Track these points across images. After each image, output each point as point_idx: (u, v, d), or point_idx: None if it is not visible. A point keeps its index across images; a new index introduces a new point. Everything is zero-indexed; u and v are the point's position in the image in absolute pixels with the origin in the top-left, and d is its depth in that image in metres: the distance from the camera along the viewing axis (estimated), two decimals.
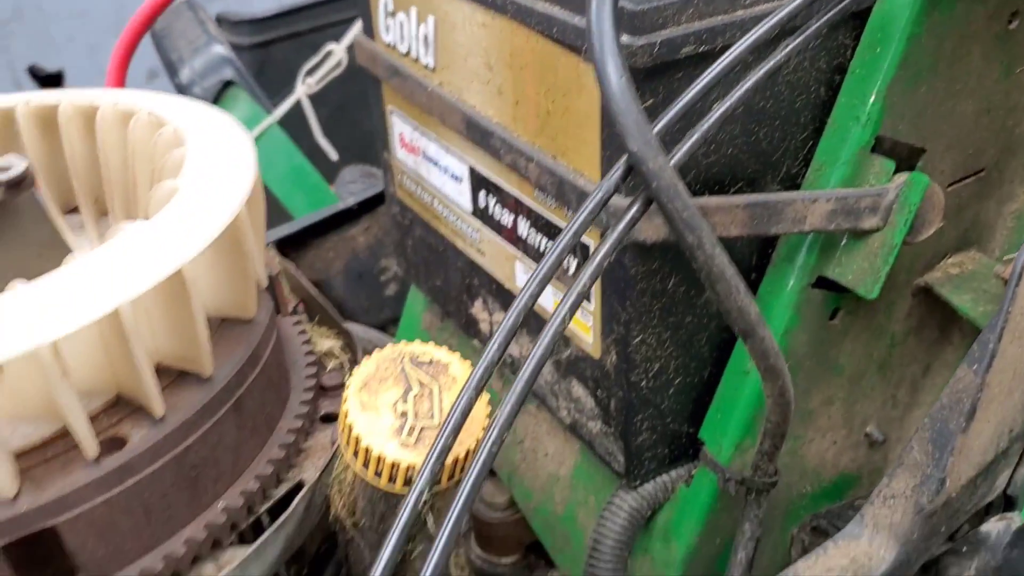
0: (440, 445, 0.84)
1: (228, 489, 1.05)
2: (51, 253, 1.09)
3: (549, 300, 1.33)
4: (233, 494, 1.05)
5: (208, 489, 1.03)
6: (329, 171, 2.59)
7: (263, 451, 1.11)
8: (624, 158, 0.93)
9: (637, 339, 1.20)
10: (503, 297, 1.47)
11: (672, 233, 0.92)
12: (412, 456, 0.88)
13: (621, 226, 0.96)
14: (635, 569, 1.38)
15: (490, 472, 1.16)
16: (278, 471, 1.09)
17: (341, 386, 1.25)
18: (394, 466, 0.88)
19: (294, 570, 1.26)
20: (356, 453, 0.90)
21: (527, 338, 1.45)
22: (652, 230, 1.10)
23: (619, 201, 1.08)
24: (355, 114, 2.90)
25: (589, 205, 0.97)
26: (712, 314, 1.25)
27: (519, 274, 1.38)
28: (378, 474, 0.90)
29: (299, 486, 1.12)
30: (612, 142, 1.10)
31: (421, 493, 0.82)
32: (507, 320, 0.88)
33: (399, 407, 0.90)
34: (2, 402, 0.91)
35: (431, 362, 0.95)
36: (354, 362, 1.28)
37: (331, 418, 1.21)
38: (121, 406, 0.99)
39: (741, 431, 1.27)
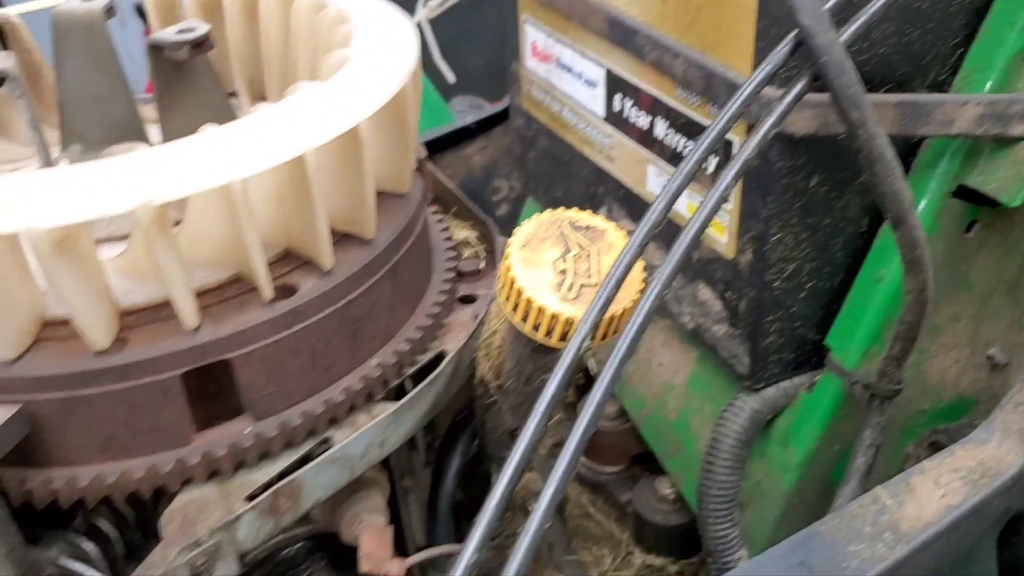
0: (603, 299, 0.87)
1: (382, 348, 1.11)
2: (223, 117, 1.15)
3: (681, 205, 1.35)
4: (386, 352, 1.11)
5: (365, 345, 1.08)
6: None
7: (411, 319, 1.16)
8: (792, 34, 0.94)
9: (775, 237, 1.21)
10: (630, 204, 1.49)
11: (836, 109, 0.94)
12: (572, 310, 0.91)
13: (785, 103, 0.98)
14: (750, 473, 1.41)
15: None
16: (424, 339, 1.14)
17: (477, 272, 1.30)
18: (554, 318, 0.92)
19: (427, 439, 1.32)
20: (516, 307, 0.94)
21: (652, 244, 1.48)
22: (802, 121, 1.11)
23: (771, 92, 1.09)
24: (464, 48, 2.94)
25: (748, 88, 0.99)
26: (849, 219, 1.26)
27: (651, 177, 1.40)
28: (536, 327, 0.94)
29: (441, 355, 1.17)
30: (767, 33, 1.11)
31: (583, 341, 0.86)
32: (671, 183, 0.91)
33: (559, 265, 0.94)
34: (185, 243, 0.97)
35: (588, 227, 0.98)
36: (490, 252, 1.33)
37: (469, 299, 1.25)
38: (289, 259, 1.05)
39: (870, 338, 1.27)
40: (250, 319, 0.97)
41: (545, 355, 1.00)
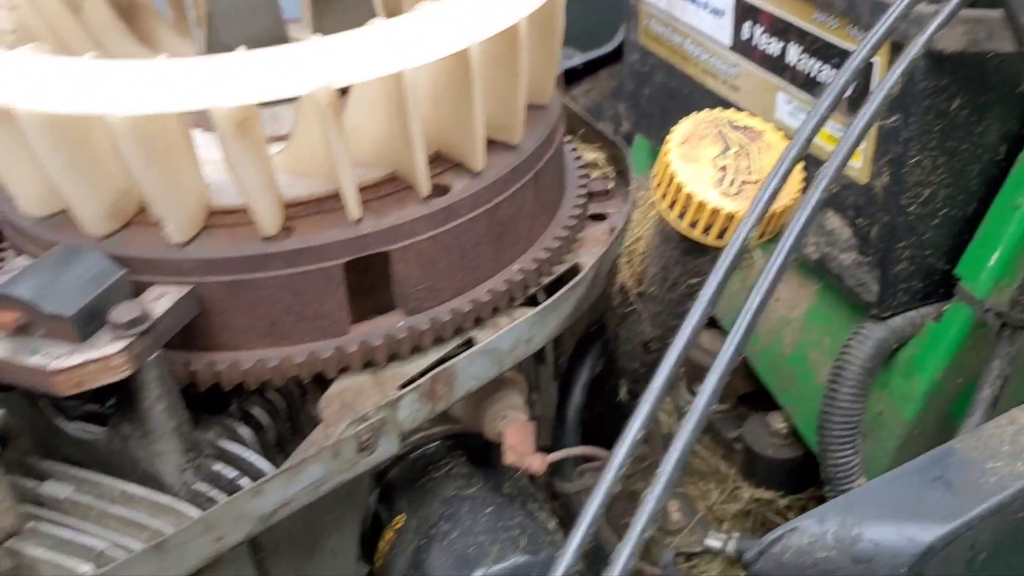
0: (768, 191, 0.88)
1: (522, 254, 1.13)
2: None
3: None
4: (527, 259, 1.13)
5: (507, 249, 1.10)
6: None
7: (548, 230, 1.18)
8: None
9: (913, 159, 1.21)
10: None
11: (1007, 19, 0.93)
12: (733, 205, 0.92)
13: (941, 17, 0.98)
14: (870, 404, 1.40)
15: (710, 321, 1.21)
16: (560, 250, 1.16)
17: (607, 192, 1.31)
18: (714, 213, 0.93)
19: (555, 355, 1.34)
20: (673, 203, 0.95)
21: None
22: (952, 39, 1.11)
23: (924, 8, 1.08)
24: None
25: (901, 5, 0.99)
26: (987, 145, 1.25)
27: (780, 104, 1.40)
28: (693, 224, 0.95)
29: (576, 267, 1.18)
30: None
31: (746, 235, 0.87)
32: (825, 97, 0.92)
33: (719, 162, 0.95)
34: (347, 136, 0.99)
35: (746, 127, 0.99)
36: (620, 173, 1.34)
37: (600, 217, 1.27)
38: (439, 162, 1.07)
39: (1003, 267, 1.26)
40: (408, 214, 1.00)
41: (696, 257, 1.01)
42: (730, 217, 0.93)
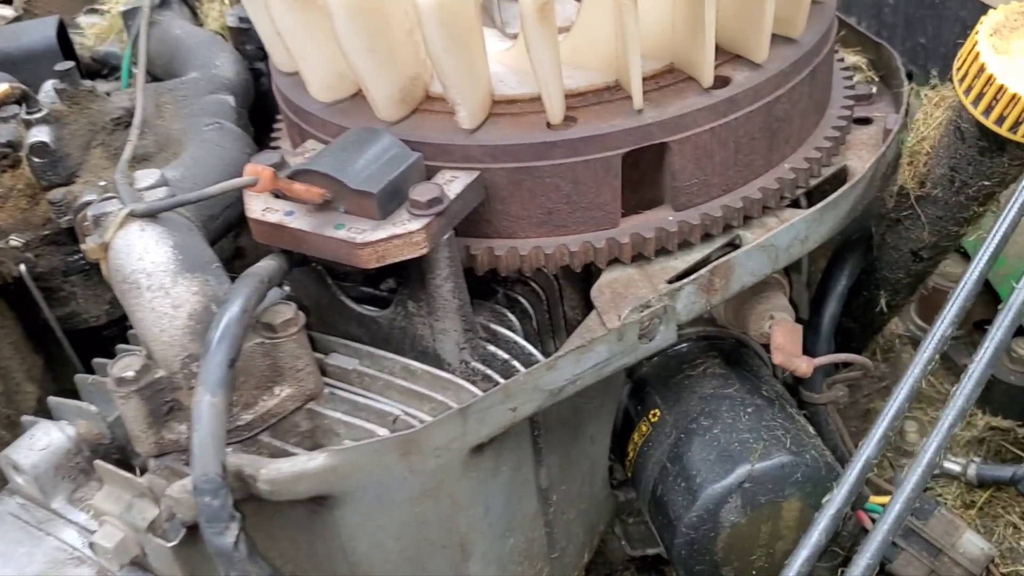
0: None
1: (792, 153, 1.10)
2: None
3: None
4: (797, 158, 1.10)
5: (779, 147, 1.08)
6: None
7: (816, 130, 1.15)
8: None
9: None
10: None
11: None
12: None
13: None
14: None
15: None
16: (829, 151, 1.13)
17: (870, 96, 1.26)
18: None
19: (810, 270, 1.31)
20: (979, 96, 0.90)
21: None
22: None
23: None
24: None
25: None
26: None
27: None
28: (1001, 119, 0.90)
29: (844, 170, 1.15)
30: None
31: None
32: None
33: None
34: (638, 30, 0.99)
35: None
36: (883, 77, 1.28)
37: (864, 121, 1.22)
38: (719, 53, 1.05)
39: None
40: (689, 104, 0.99)
41: (992, 157, 0.96)
42: None
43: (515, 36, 1.15)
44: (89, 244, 0.92)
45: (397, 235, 0.92)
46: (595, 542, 1.21)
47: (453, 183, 0.98)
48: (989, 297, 1.69)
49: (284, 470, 0.83)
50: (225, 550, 0.78)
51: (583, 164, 0.99)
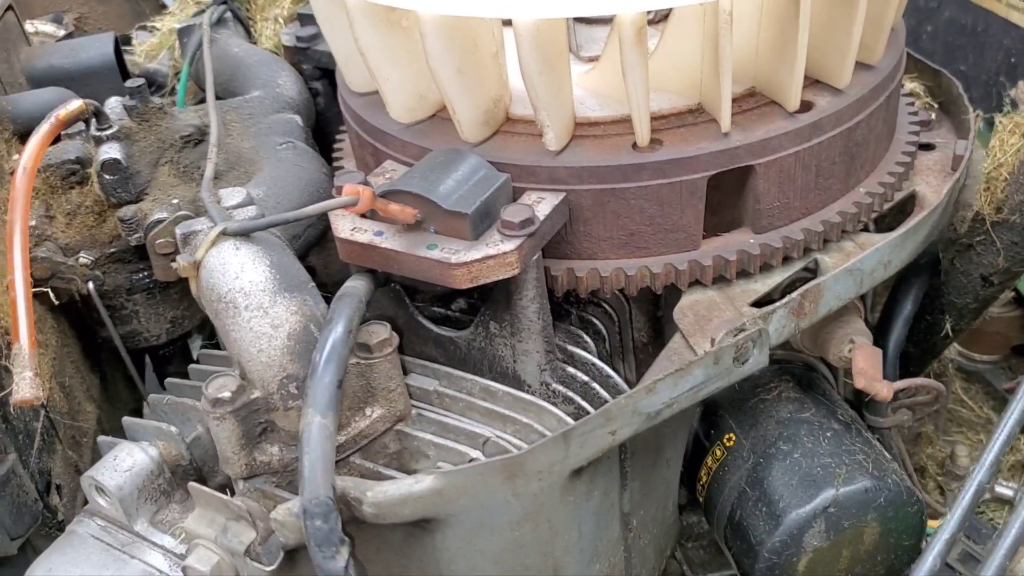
0: None
1: (867, 177, 1.11)
2: None
3: None
4: (872, 183, 1.11)
5: (856, 171, 1.09)
6: None
7: (888, 155, 1.15)
8: None
9: None
10: None
11: None
12: None
13: None
14: None
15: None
16: (901, 176, 1.14)
17: (930, 121, 1.27)
18: None
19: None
20: None
21: None
22: None
23: None
24: None
25: None
26: None
27: None
28: None
29: (913, 195, 1.16)
30: None
31: None
32: None
33: None
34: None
35: None
36: (943, 104, 1.29)
37: (928, 147, 1.23)
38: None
39: None
40: (776, 128, 1.00)
41: None
42: None
43: (590, 59, 1.15)
44: (180, 262, 0.91)
45: (491, 255, 0.92)
46: (663, 567, 1.20)
47: (541, 204, 0.98)
48: None
49: (391, 493, 0.81)
50: (336, 574, 0.76)
51: (668, 186, 0.99)
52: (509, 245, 0.92)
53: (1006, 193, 1.05)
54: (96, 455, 1.15)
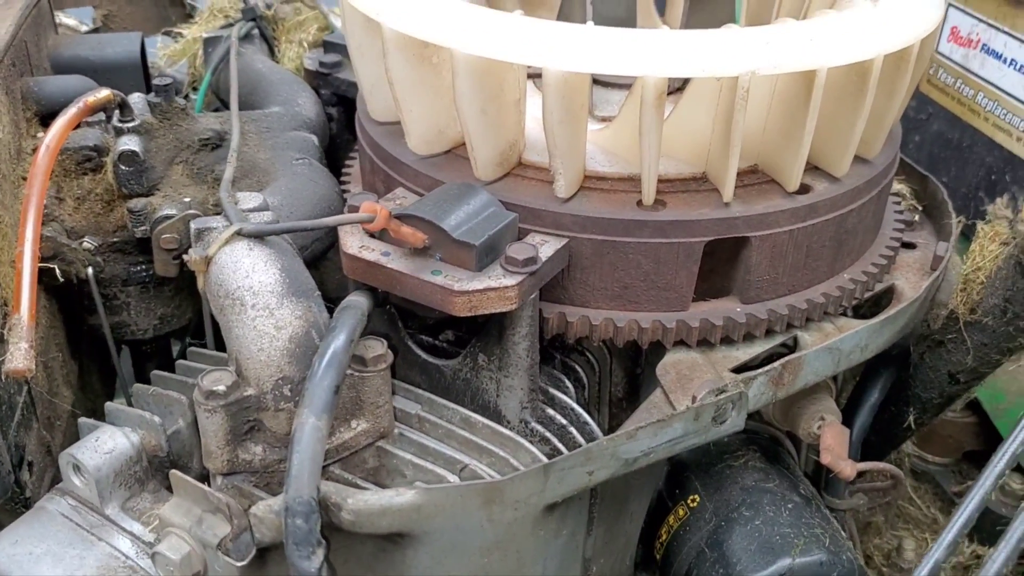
0: None
1: (851, 265, 1.16)
2: None
3: None
4: (856, 271, 1.16)
5: (842, 258, 1.14)
6: None
7: (872, 247, 1.21)
8: None
9: None
10: None
11: None
12: None
13: None
14: None
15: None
16: (882, 269, 1.19)
17: (913, 222, 1.33)
18: None
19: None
20: None
21: None
22: None
23: None
24: None
25: None
26: None
27: None
28: None
29: (892, 288, 1.21)
30: None
31: None
32: None
33: None
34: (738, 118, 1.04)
35: None
36: (926, 207, 1.36)
37: (910, 245, 1.29)
38: None
39: None
40: (775, 205, 1.05)
41: None
42: None
43: (603, 119, 1.21)
44: (192, 255, 0.93)
45: (492, 288, 0.95)
46: None
47: (544, 246, 1.02)
48: (979, 428, 1.77)
49: (371, 502, 0.83)
50: (310, 575, 0.78)
51: (667, 246, 1.04)
52: (511, 280, 0.96)
53: (981, 296, 1.10)
54: (68, 439, 1.15)
